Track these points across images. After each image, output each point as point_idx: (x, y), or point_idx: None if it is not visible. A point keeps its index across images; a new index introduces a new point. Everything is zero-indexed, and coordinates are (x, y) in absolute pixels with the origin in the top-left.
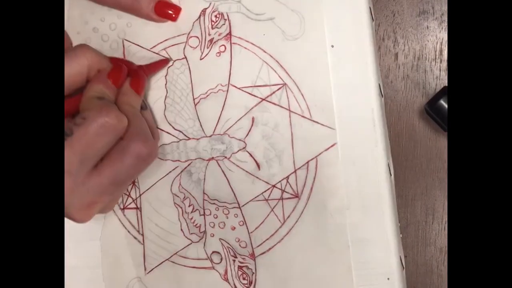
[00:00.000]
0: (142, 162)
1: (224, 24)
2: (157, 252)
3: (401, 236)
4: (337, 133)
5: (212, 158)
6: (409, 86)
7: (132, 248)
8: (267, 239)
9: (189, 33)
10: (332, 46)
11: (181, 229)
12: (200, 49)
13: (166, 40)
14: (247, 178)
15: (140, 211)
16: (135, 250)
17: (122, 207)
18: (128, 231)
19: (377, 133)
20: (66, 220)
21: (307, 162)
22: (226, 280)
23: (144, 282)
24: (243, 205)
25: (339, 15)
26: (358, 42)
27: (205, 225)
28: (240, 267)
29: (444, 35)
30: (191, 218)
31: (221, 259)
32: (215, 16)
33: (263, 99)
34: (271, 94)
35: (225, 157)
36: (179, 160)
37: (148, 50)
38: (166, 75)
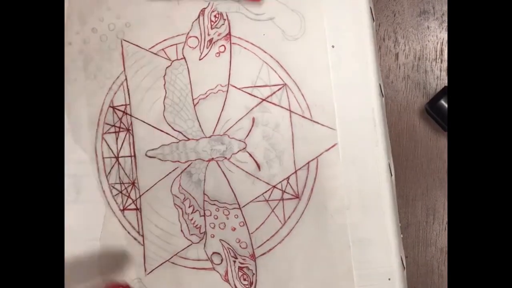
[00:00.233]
0: None
1: (223, 24)
2: (157, 253)
3: (401, 236)
4: (337, 133)
5: (212, 158)
6: (410, 86)
7: (132, 249)
8: (268, 239)
9: (188, 33)
10: (333, 46)
11: (181, 230)
12: (200, 49)
13: (164, 40)
14: (247, 179)
15: (140, 212)
16: (135, 251)
17: (122, 208)
18: (128, 232)
19: (377, 133)
20: (66, 220)
21: (308, 163)
22: (227, 281)
23: (144, 283)
24: (243, 206)
25: (340, 15)
26: (358, 42)
27: (205, 226)
28: (240, 268)
29: (444, 35)
30: (191, 219)
31: (222, 260)
32: (215, 16)
33: (263, 100)
34: (271, 95)
35: (225, 158)
36: (178, 161)
37: (146, 50)
38: (164, 76)
